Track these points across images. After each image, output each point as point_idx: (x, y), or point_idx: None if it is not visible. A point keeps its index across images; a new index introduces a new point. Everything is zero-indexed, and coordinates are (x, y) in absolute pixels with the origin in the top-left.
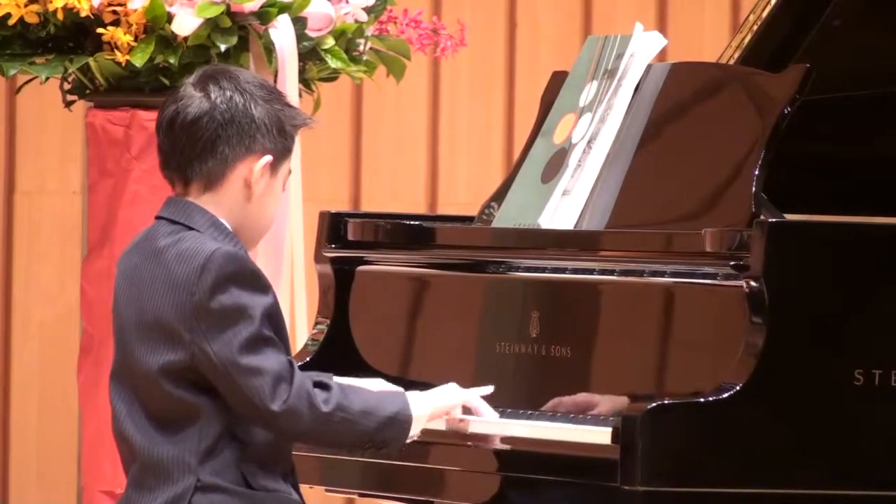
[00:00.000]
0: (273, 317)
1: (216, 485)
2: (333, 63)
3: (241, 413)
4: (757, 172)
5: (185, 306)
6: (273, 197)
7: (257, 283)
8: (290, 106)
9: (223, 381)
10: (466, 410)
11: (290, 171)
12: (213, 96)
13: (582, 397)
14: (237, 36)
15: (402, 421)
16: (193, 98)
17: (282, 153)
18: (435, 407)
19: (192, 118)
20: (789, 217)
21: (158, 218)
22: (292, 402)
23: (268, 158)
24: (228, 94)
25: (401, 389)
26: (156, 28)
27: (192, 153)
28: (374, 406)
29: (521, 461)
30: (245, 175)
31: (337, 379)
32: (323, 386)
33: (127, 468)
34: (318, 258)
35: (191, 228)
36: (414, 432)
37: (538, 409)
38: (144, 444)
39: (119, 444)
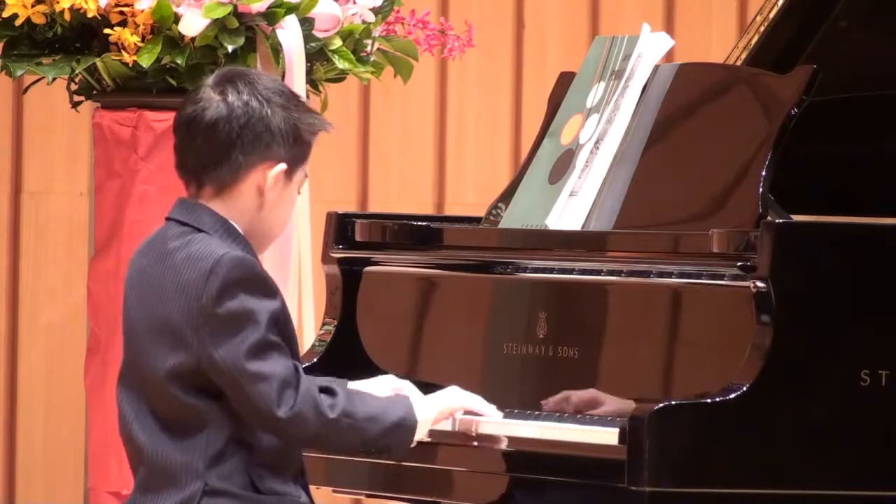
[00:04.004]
0: (280, 321)
1: (224, 489)
2: (341, 64)
3: (247, 418)
4: (764, 173)
5: (193, 310)
6: (286, 204)
7: (265, 287)
8: (309, 111)
9: (230, 386)
10: (470, 414)
11: (306, 176)
12: (230, 100)
13: (590, 394)
14: (244, 37)
15: (407, 427)
16: (211, 101)
17: (297, 160)
18: (439, 410)
19: (209, 122)
20: (796, 218)
21: (168, 219)
22: (298, 408)
23: (282, 167)
24: (245, 98)
25: (407, 392)
26: (163, 29)
27: (207, 157)
28: (379, 412)
29: (527, 462)
30: (259, 182)
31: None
32: (329, 391)
33: (134, 470)
34: (326, 259)
35: (200, 231)
36: (418, 436)
37: (545, 409)
38: (152, 447)
39: (126, 447)
